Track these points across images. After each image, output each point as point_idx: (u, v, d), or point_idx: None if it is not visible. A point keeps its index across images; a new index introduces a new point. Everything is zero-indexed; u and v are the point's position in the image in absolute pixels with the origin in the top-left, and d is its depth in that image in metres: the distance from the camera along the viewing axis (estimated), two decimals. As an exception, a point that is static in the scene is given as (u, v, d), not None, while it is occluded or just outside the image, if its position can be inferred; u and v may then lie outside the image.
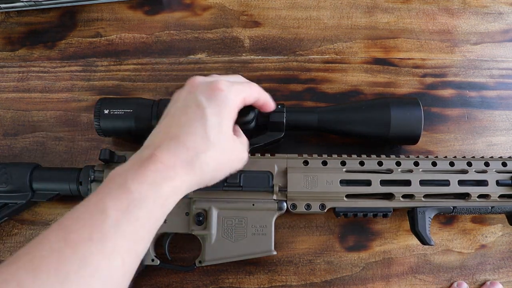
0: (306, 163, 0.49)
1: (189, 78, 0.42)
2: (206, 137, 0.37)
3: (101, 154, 0.47)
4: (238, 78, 0.44)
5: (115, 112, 0.49)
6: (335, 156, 0.49)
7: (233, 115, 0.40)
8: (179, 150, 0.35)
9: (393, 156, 0.49)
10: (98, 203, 0.32)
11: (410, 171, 0.48)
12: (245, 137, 0.44)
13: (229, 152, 0.39)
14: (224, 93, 0.38)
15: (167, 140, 0.36)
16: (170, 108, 0.40)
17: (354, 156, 0.49)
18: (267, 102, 0.45)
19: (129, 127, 0.49)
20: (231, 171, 0.41)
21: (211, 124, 0.37)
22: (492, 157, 0.50)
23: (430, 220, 0.48)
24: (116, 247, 0.31)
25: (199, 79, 0.41)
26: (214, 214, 0.48)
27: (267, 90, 0.57)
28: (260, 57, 0.60)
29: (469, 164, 0.49)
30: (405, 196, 0.48)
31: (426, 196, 0.48)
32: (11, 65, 0.61)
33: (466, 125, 0.57)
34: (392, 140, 0.49)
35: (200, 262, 0.47)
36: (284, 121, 0.49)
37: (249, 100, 0.42)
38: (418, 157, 0.49)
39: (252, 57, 0.60)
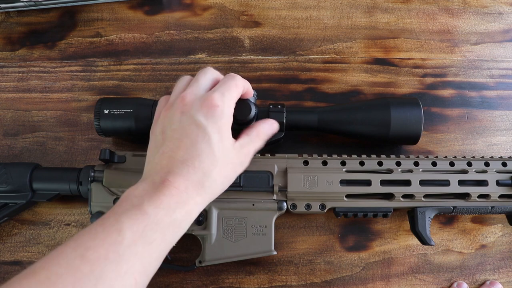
0: (306, 163, 0.49)
1: (176, 94, 0.42)
2: (212, 155, 0.38)
3: (101, 154, 0.47)
4: (213, 74, 0.43)
5: (115, 112, 0.49)
6: (335, 156, 0.49)
7: (230, 123, 0.41)
8: (189, 173, 0.37)
9: (393, 156, 0.49)
10: (115, 223, 0.33)
11: (410, 171, 0.48)
12: (245, 136, 0.44)
13: (233, 161, 0.41)
14: (220, 108, 0.39)
15: (176, 164, 0.37)
16: (165, 129, 0.40)
17: (354, 156, 0.49)
18: (248, 90, 0.45)
19: (129, 127, 0.49)
20: (236, 176, 0.42)
21: (215, 142, 0.38)
22: (492, 157, 0.50)
23: (430, 220, 0.48)
24: (131, 268, 0.32)
25: (189, 96, 0.40)
26: (214, 214, 0.48)
27: (267, 90, 0.58)
28: (260, 57, 0.60)
29: (469, 164, 0.49)
30: (405, 196, 0.48)
31: (426, 196, 0.48)
32: (11, 65, 0.61)
33: (466, 125, 0.57)
34: (392, 140, 0.49)
35: (200, 262, 0.47)
36: (284, 121, 0.49)
37: (237, 97, 0.43)
38: (418, 157, 0.49)
39: (252, 57, 0.60)
